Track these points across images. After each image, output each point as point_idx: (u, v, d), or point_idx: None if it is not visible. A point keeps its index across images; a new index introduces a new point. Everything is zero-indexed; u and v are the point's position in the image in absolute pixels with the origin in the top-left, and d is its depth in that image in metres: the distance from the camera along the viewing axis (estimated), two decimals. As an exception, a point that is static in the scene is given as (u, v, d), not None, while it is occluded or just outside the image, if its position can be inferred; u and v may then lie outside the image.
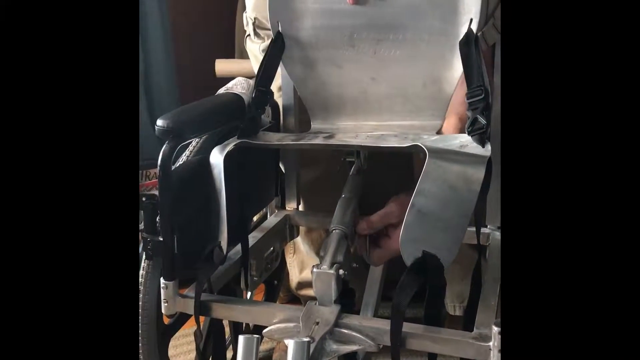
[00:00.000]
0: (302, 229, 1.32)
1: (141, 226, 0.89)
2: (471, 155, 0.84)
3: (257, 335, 0.74)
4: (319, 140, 0.97)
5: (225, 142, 0.95)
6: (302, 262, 1.39)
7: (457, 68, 0.94)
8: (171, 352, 1.07)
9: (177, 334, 1.08)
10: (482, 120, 0.87)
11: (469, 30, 0.92)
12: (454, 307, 1.35)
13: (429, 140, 0.91)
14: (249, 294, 1.17)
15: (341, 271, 0.84)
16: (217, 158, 0.91)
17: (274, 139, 1.00)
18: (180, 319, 1.03)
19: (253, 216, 1.21)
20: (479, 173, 0.81)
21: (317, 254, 1.33)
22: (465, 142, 0.89)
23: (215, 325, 0.98)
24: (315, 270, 0.84)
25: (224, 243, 0.89)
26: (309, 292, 1.39)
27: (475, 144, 0.87)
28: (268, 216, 1.22)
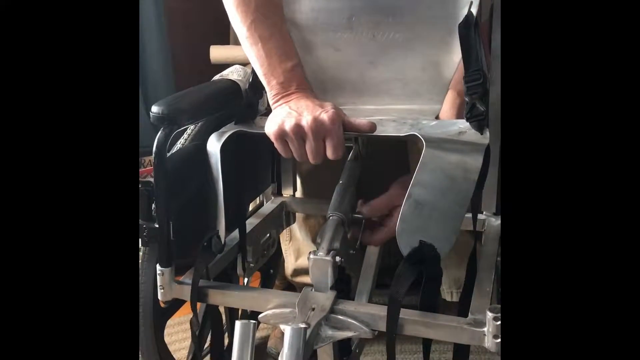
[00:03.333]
0: (299, 216, 1.32)
1: (137, 213, 0.89)
2: (469, 144, 0.84)
3: (254, 321, 0.74)
4: None
5: (223, 130, 0.94)
6: (298, 250, 1.39)
7: (457, 52, 0.92)
8: (167, 339, 1.07)
9: (173, 322, 1.08)
10: (481, 107, 0.86)
11: (469, 13, 0.91)
12: (450, 293, 1.35)
13: (427, 126, 0.91)
14: (245, 280, 1.17)
15: (338, 258, 0.84)
16: (214, 146, 0.91)
17: None
18: (174, 303, 1.03)
19: (249, 203, 1.21)
20: (476, 161, 0.81)
21: (314, 241, 1.33)
22: (463, 128, 0.89)
23: (212, 312, 0.98)
24: (311, 256, 0.84)
25: (221, 232, 0.90)
26: (305, 279, 1.39)
27: (473, 131, 0.87)
28: (264, 203, 1.22)
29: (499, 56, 0.90)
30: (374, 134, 0.88)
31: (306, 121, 0.85)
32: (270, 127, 0.88)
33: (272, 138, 0.88)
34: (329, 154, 0.86)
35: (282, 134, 0.86)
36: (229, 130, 0.94)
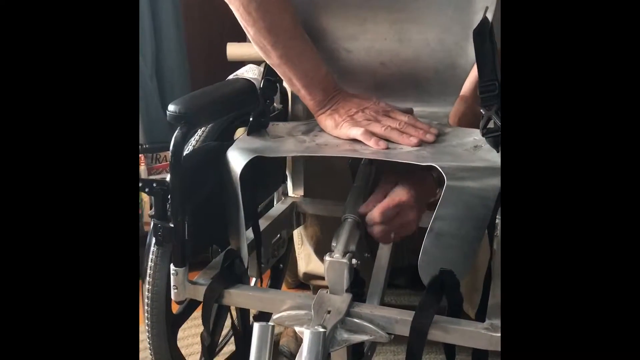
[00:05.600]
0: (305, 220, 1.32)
1: (151, 212, 0.88)
2: (486, 169, 0.83)
3: (272, 324, 0.74)
4: (329, 149, 0.93)
5: (242, 146, 0.92)
6: (308, 255, 1.39)
7: (472, 55, 0.90)
8: (179, 334, 1.06)
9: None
10: (498, 122, 0.85)
11: (484, 18, 0.88)
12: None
13: (443, 138, 0.90)
14: (253, 280, 1.17)
15: (354, 260, 0.84)
16: (235, 165, 0.89)
17: (284, 130, 0.99)
18: (189, 306, 1.03)
19: (261, 203, 1.21)
20: (494, 187, 0.81)
21: (315, 251, 1.34)
22: (479, 141, 0.88)
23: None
24: (327, 258, 0.84)
25: (244, 257, 0.90)
26: (316, 282, 1.39)
27: (489, 147, 0.86)
28: (275, 203, 1.21)
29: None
30: (390, 159, 0.87)
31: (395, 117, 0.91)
32: (352, 133, 0.92)
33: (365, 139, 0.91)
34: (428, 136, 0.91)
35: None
36: (247, 156, 0.90)
